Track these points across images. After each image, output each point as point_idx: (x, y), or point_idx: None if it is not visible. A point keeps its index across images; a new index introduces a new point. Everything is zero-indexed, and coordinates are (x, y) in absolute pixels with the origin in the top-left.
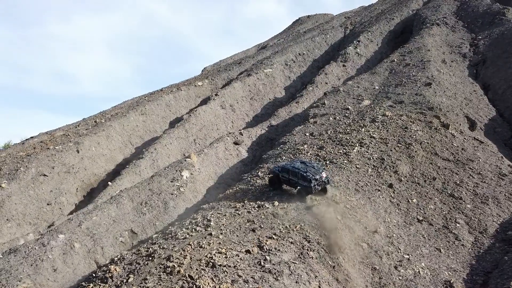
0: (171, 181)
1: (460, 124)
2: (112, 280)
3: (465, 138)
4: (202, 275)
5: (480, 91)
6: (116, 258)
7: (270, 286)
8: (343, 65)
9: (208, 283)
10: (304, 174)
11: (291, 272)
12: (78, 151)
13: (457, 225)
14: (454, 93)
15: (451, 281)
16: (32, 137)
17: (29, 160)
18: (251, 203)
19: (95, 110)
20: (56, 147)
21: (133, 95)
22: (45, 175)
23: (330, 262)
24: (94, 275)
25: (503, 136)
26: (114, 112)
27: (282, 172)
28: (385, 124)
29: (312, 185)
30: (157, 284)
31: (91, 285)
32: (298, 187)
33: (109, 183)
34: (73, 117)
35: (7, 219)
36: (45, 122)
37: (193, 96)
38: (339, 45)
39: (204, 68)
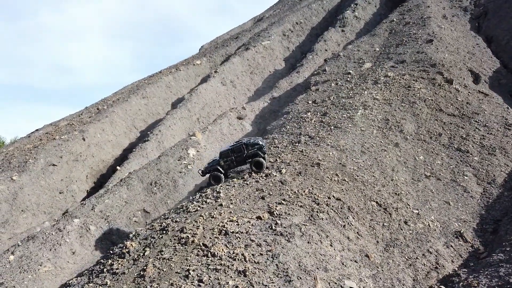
0: (178, 160)
1: (464, 79)
2: (130, 255)
3: (469, 92)
4: (216, 242)
5: (483, 44)
6: (131, 235)
7: (282, 247)
8: (342, 30)
9: (222, 249)
10: (248, 142)
11: (303, 234)
12: (84, 139)
13: (465, 177)
14: (456, 48)
15: (461, 231)
16: (37, 130)
17: (37, 152)
18: (258, 173)
19: (96, 99)
20: (62, 137)
21: (133, 81)
22: (54, 164)
23: (340, 222)
24: (111, 252)
25: (508, 87)
26: (116, 98)
27: (221, 159)
28: (387, 85)
29: (263, 145)
30: (173, 254)
31: (109, 261)
32: (250, 159)
33: (118, 167)
34: (75, 108)
35: (22, 210)
36: (48, 115)
37: (192, 75)
38: (336, 10)
39: (202, 46)
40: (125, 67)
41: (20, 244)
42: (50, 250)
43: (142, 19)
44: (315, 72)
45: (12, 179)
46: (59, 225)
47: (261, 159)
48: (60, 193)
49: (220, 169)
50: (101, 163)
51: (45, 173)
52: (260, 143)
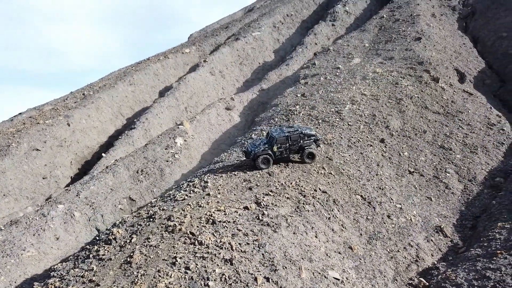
0: (165, 149)
1: (449, 77)
2: (116, 241)
3: (454, 91)
4: (203, 231)
5: (469, 43)
6: (118, 222)
7: (269, 237)
8: (332, 25)
9: (210, 238)
10: (307, 132)
11: (289, 225)
12: (69, 125)
13: (447, 174)
14: (443, 47)
15: (442, 226)
16: (20, 113)
17: (20, 136)
18: (246, 164)
19: (84, 83)
20: (46, 122)
21: (121, 67)
22: (37, 149)
23: (325, 214)
24: (97, 238)
25: (492, 87)
26: (102, 84)
27: (276, 144)
28: (375, 81)
29: (319, 136)
30: (160, 242)
31: (95, 247)
32: (305, 150)
33: (103, 154)
34: (61, 92)
35: (4, 195)
36: (33, 98)
37: (181, 63)
38: (327, 4)
39: (191, 35)
40: (114, 52)
41: (3, 228)
42: (34, 235)
43: (132, 4)
44: (305, 66)
45: None
46: (43, 210)
47: (315, 151)
48: (43, 178)
49: (272, 155)
50: (86, 149)
51: (28, 157)
52: (316, 134)
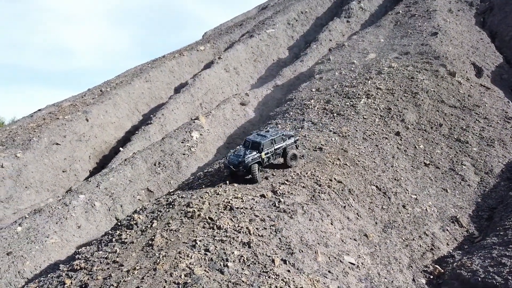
0: (181, 142)
1: (466, 72)
2: (137, 226)
3: (471, 85)
4: (221, 216)
5: (487, 39)
6: (138, 208)
7: (285, 223)
8: (347, 21)
9: (228, 223)
10: (288, 133)
11: (305, 212)
12: (87, 120)
13: (463, 167)
14: (460, 42)
15: (457, 217)
16: (39, 110)
17: (41, 130)
18: None
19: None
20: (65, 117)
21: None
22: (57, 144)
23: (341, 203)
24: (119, 223)
25: (510, 82)
26: (119, 81)
27: (263, 150)
28: (391, 75)
29: (298, 137)
30: (180, 226)
31: (118, 232)
32: (288, 152)
33: (121, 148)
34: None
35: (25, 187)
36: (47, 97)
37: (196, 61)
38: (342, 1)
39: (205, 33)
40: (125, 53)
41: (27, 216)
42: (56, 223)
43: (144, 4)
44: (319, 61)
45: (16, 156)
46: (65, 200)
47: (297, 152)
48: (63, 171)
49: (261, 162)
50: (104, 144)
51: (48, 151)
52: (295, 134)
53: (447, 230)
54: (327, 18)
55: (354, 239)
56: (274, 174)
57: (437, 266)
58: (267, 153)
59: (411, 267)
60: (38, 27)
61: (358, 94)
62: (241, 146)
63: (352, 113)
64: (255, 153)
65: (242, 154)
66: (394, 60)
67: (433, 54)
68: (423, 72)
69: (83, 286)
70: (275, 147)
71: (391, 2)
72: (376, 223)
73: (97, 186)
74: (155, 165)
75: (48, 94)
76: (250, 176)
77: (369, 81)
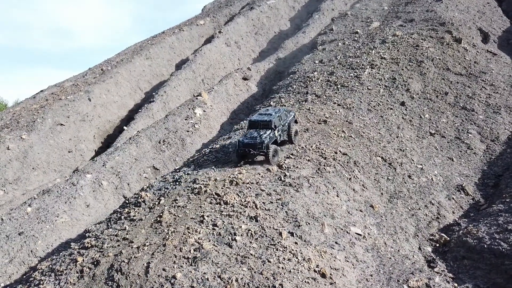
0: (185, 119)
1: (473, 38)
2: (145, 204)
3: (477, 52)
4: (228, 192)
5: (493, 2)
6: (145, 186)
7: (291, 196)
8: None
9: (234, 198)
10: (288, 109)
11: (310, 185)
12: (90, 100)
13: (469, 135)
14: (466, 7)
15: (463, 185)
16: (42, 91)
17: (44, 111)
18: None
19: (96, 62)
20: (68, 97)
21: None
22: (62, 124)
23: (346, 175)
24: (127, 202)
25: None
26: (119, 59)
27: (275, 129)
28: (395, 44)
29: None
30: (187, 203)
31: (126, 209)
32: (291, 128)
33: (125, 127)
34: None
35: (33, 168)
36: (49, 78)
37: (196, 36)
38: None
39: (204, 6)
40: (125, 30)
41: (36, 197)
42: (65, 203)
43: None
44: (322, 32)
45: (21, 138)
46: (72, 179)
47: (298, 128)
48: (69, 152)
49: (276, 141)
50: (108, 124)
51: (53, 132)
52: (291, 110)
53: (453, 198)
54: None
55: (360, 210)
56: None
57: (443, 234)
58: (279, 131)
59: (417, 236)
60: (36, 7)
61: (362, 65)
62: (246, 129)
63: (356, 84)
64: (268, 132)
65: (256, 135)
66: (399, 28)
67: (439, 20)
68: (428, 40)
69: (95, 263)
70: (282, 124)
71: None
72: (381, 194)
73: (103, 165)
74: (159, 143)
75: (50, 74)
76: (264, 157)
77: (373, 51)
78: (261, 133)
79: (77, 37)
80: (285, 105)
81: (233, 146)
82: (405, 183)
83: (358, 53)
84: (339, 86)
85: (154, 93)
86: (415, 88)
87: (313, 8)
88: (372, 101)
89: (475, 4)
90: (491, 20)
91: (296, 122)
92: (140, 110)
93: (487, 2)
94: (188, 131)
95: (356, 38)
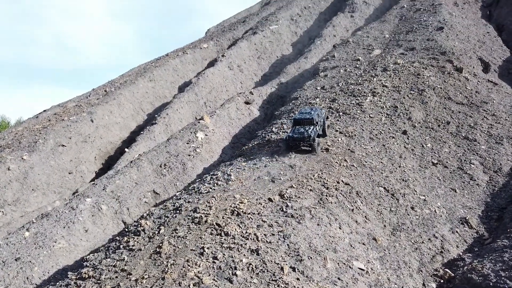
0: (187, 143)
1: (473, 67)
2: (145, 233)
3: (478, 81)
4: (229, 222)
5: (493, 32)
6: (145, 214)
7: (293, 228)
8: (351, 16)
9: (235, 229)
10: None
11: (312, 216)
12: (92, 121)
13: (472, 166)
14: (467, 36)
15: (467, 218)
16: (45, 111)
17: (46, 132)
18: (268, 157)
19: (104, 80)
20: (70, 118)
21: (141, 62)
22: (63, 145)
23: (348, 206)
24: (126, 229)
25: None
26: (123, 80)
27: (317, 124)
28: (397, 72)
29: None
30: (187, 233)
31: (125, 238)
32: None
33: (126, 149)
34: (78, 89)
35: (32, 189)
36: (52, 96)
37: (199, 59)
38: None
39: (208, 29)
40: (130, 47)
41: (35, 221)
42: (64, 227)
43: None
44: (324, 58)
45: (22, 158)
46: (72, 204)
47: (328, 122)
48: (69, 173)
49: (319, 134)
50: (109, 145)
51: (54, 153)
52: (323, 108)
53: (457, 232)
54: (330, 13)
55: (363, 243)
56: (281, 177)
57: (447, 270)
58: (319, 126)
59: (421, 271)
60: (41, 23)
61: (364, 92)
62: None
63: (358, 111)
64: (312, 127)
65: (303, 131)
66: (400, 57)
67: (439, 49)
68: (429, 68)
69: None
70: (319, 120)
71: None
72: (384, 226)
73: (103, 189)
74: (160, 166)
75: (55, 92)
76: (310, 148)
77: (375, 79)
78: (306, 129)
79: (82, 54)
80: (313, 108)
81: (284, 140)
82: (408, 215)
83: (359, 80)
84: (341, 113)
85: (156, 115)
86: (417, 116)
87: (315, 34)
88: (374, 129)
89: (475, 33)
90: (491, 50)
91: (327, 118)
92: (142, 132)
93: (487, 32)
94: (189, 155)
95: (357, 65)
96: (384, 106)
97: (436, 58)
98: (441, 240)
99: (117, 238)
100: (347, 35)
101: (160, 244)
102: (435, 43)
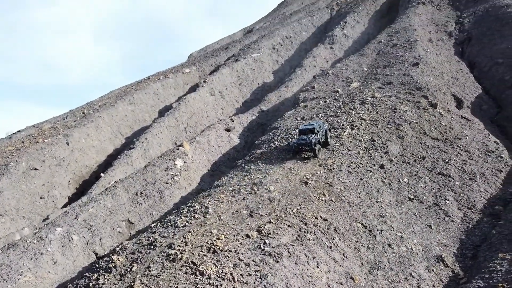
0: (165, 170)
1: (447, 103)
2: (116, 270)
3: (452, 117)
4: (205, 260)
5: (466, 69)
6: (118, 248)
7: (270, 268)
8: (331, 47)
9: (211, 268)
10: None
11: (290, 254)
12: (68, 144)
13: (447, 202)
14: (441, 72)
15: (442, 256)
16: (19, 131)
17: (19, 155)
18: (247, 189)
19: (83, 100)
20: (45, 140)
21: (122, 83)
22: (36, 169)
23: (327, 243)
24: (97, 265)
25: (489, 113)
26: (102, 103)
27: (319, 134)
28: (374, 105)
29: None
30: (161, 271)
31: (95, 275)
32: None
33: (102, 174)
34: (61, 108)
35: (0, 215)
36: (32, 114)
37: (181, 83)
38: (325, 27)
39: (191, 54)
40: (112, 68)
41: (0, 252)
42: (31, 259)
43: (133, 20)
44: (304, 88)
45: None
46: (41, 233)
47: (331, 133)
48: (41, 198)
49: (319, 142)
50: (85, 169)
51: (26, 177)
52: (326, 121)
53: (433, 270)
54: (311, 43)
55: (341, 283)
56: (260, 211)
57: None
58: (320, 135)
59: None
60: (25, 40)
61: (343, 125)
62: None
63: (337, 144)
64: (313, 135)
65: (306, 138)
66: (377, 90)
67: (415, 84)
68: (405, 103)
69: None
70: (320, 130)
71: (373, 30)
72: (362, 264)
73: (75, 218)
74: (136, 194)
75: (34, 110)
76: (312, 152)
77: (353, 111)
78: (309, 136)
79: (64, 73)
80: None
81: (290, 146)
82: (385, 252)
83: (338, 113)
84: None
85: (135, 139)
86: (394, 151)
87: (296, 63)
88: (352, 162)
89: (449, 70)
90: (464, 86)
91: (330, 130)
92: (119, 156)
93: (460, 68)
94: (167, 183)
95: (336, 97)
96: (362, 139)
97: (412, 93)
98: (418, 279)
99: (87, 274)
100: (326, 65)
101: (132, 284)
102: (411, 78)
